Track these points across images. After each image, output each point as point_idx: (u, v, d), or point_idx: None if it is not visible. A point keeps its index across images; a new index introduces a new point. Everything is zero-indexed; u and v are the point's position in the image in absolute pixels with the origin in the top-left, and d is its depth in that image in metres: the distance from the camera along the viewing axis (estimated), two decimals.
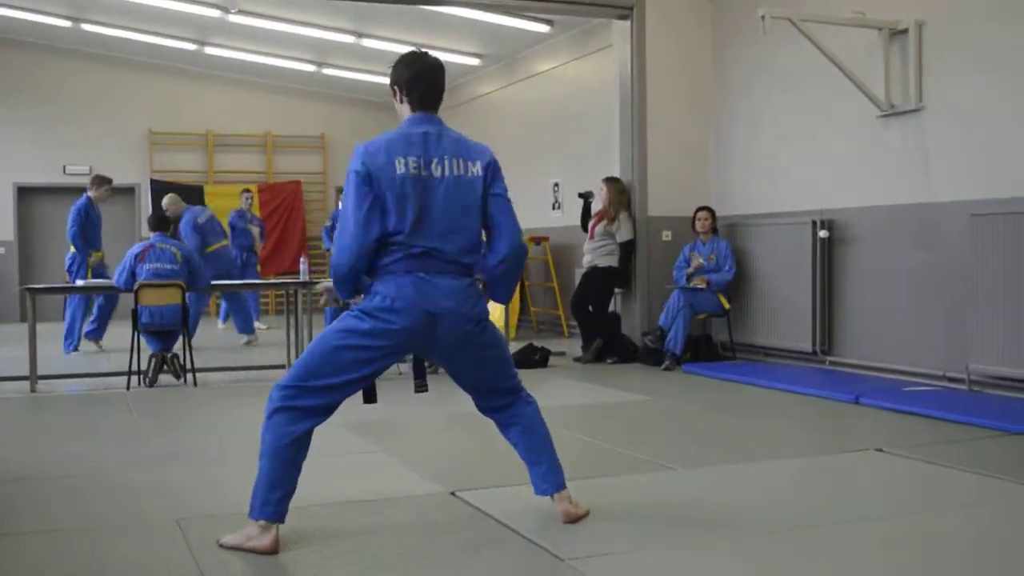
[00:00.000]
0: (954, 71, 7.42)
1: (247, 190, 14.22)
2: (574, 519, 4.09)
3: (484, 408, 4.23)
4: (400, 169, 3.81)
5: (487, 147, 4.05)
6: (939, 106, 7.54)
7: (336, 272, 3.82)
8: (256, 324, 12.18)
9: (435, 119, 4.03)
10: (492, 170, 3.98)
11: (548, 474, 4.14)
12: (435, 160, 3.87)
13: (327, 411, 3.90)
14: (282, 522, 3.83)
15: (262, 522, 3.81)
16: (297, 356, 8.89)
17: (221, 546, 3.85)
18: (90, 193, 10.63)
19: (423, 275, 3.80)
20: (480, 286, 4.02)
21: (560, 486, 4.13)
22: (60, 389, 8.21)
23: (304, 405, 3.83)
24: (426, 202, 3.81)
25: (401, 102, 4.09)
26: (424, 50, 4.16)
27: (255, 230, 13.07)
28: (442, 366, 4.22)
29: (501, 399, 4.19)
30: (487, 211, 3.94)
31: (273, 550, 3.78)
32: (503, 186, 4.00)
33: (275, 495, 3.83)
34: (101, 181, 10.79)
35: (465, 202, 3.89)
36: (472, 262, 3.95)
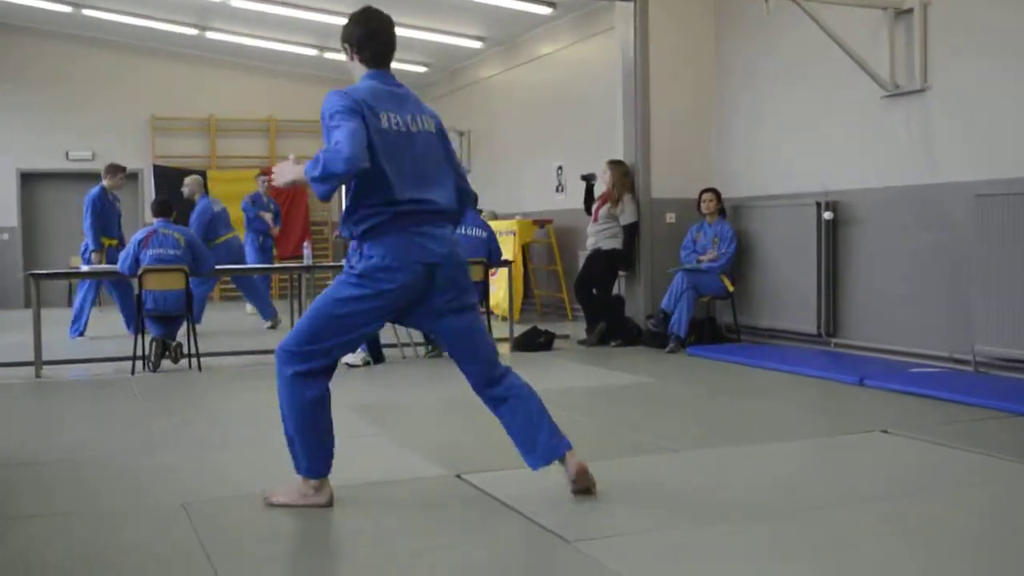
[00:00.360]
0: (959, 51, 7.38)
1: (263, 173, 14.24)
2: (586, 469, 4.11)
3: (484, 382, 4.23)
4: (385, 123, 3.85)
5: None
6: (944, 86, 7.50)
7: (332, 169, 3.61)
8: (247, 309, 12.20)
9: (392, 76, 4.06)
10: (441, 127, 4.16)
11: (555, 434, 4.15)
12: (410, 115, 3.96)
13: (333, 368, 4.03)
14: (330, 473, 4.04)
15: (313, 481, 4.00)
16: None
17: (271, 504, 4.05)
18: (104, 182, 10.63)
19: (414, 228, 3.87)
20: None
21: (570, 444, 4.16)
22: (65, 374, 8.22)
23: (315, 368, 3.93)
24: (411, 155, 3.90)
25: (352, 59, 4.10)
26: (374, 7, 4.18)
27: (267, 216, 13.08)
28: (441, 338, 4.28)
29: (499, 368, 4.22)
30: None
31: (330, 504, 4.03)
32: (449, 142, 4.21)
33: (320, 452, 4.01)
34: (115, 170, 10.79)
35: (437, 155, 4.05)
36: (453, 210, 4.09)
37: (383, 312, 3.94)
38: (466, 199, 4.24)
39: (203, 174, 15.61)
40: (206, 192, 11.88)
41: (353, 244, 3.96)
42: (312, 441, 3.97)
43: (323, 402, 3.97)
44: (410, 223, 3.86)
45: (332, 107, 3.81)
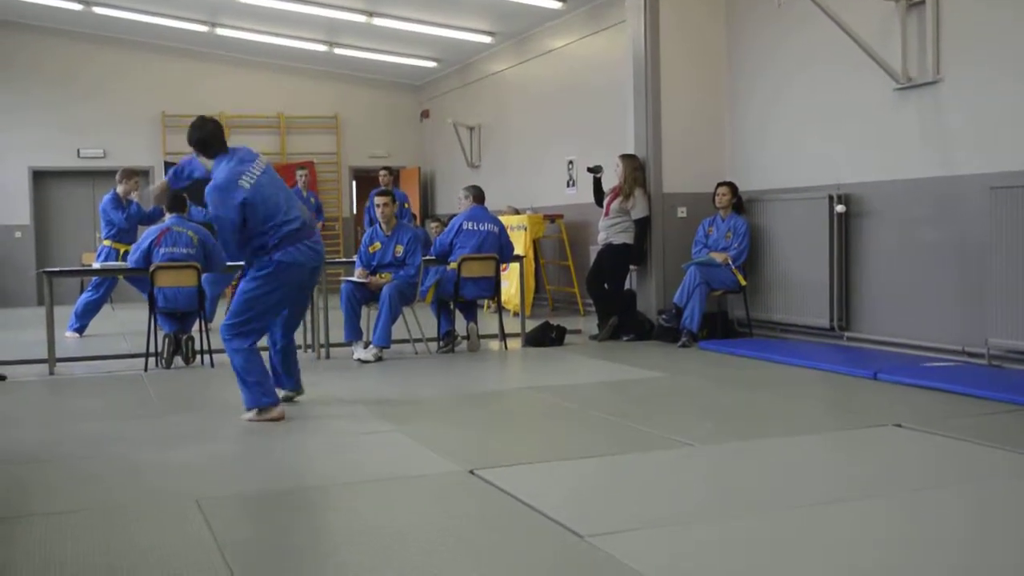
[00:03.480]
0: (972, 43, 7.33)
1: (302, 167, 14.28)
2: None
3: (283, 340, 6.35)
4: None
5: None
6: (957, 79, 7.46)
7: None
8: None
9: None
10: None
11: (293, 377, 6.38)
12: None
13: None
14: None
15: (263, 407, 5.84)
16: (313, 335, 8.93)
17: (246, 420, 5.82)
18: (117, 188, 10.61)
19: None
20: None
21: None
22: (78, 371, 8.24)
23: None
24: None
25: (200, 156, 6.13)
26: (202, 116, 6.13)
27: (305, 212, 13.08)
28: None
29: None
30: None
31: (283, 415, 5.88)
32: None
33: (265, 389, 5.89)
34: (127, 175, 10.74)
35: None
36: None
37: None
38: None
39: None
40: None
41: None
42: (260, 380, 5.91)
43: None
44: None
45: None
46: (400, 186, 17.20)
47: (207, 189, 5.87)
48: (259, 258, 5.88)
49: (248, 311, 5.90)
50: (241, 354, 5.87)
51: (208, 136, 5.96)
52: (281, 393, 6.23)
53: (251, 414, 5.89)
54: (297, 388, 6.47)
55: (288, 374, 6.39)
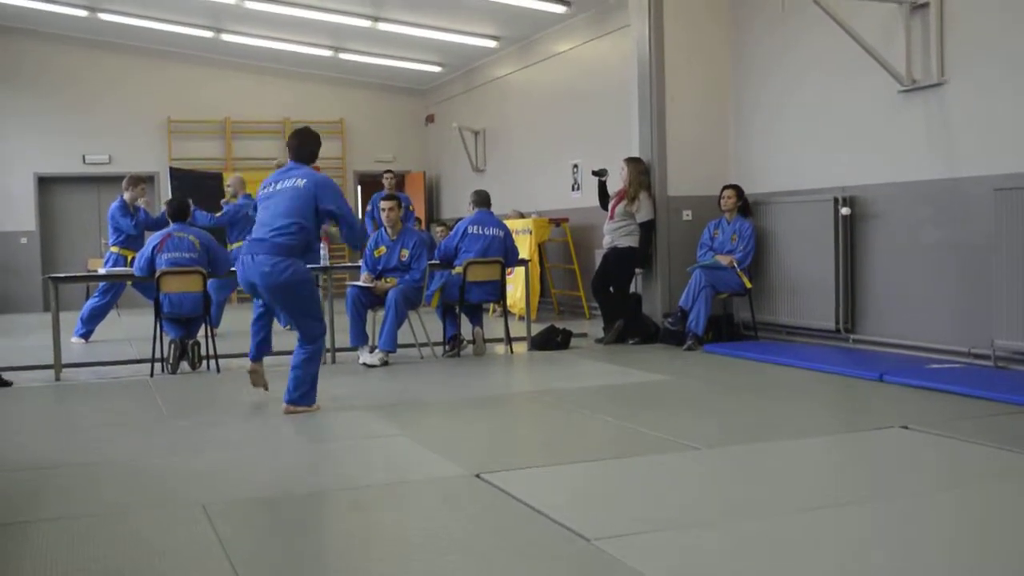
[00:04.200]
0: (976, 45, 7.33)
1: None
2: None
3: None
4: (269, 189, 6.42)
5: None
6: (961, 80, 7.45)
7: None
8: None
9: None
10: (311, 182, 6.30)
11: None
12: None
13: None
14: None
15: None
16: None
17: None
18: (124, 195, 10.63)
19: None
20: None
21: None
22: (84, 377, 8.25)
23: None
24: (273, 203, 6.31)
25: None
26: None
27: None
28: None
29: None
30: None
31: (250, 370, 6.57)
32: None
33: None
34: (134, 182, 10.76)
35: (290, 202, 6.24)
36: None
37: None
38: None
39: (219, 176, 15.68)
40: (248, 193, 11.87)
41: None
42: None
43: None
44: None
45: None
46: (404, 189, 17.22)
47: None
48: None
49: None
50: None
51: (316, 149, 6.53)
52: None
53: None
54: (265, 353, 6.74)
55: (257, 337, 6.63)
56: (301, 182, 6.18)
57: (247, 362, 6.68)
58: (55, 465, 5.11)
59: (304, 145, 6.38)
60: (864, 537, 3.62)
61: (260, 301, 6.51)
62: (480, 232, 9.01)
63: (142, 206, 10.68)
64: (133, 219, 10.51)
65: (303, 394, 6.29)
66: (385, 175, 14.41)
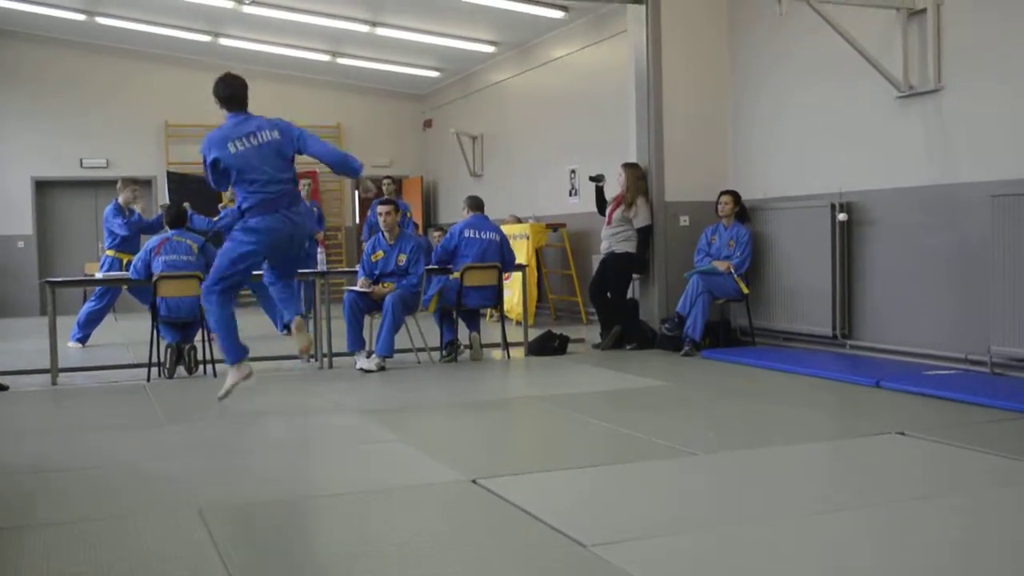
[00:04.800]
0: (973, 51, 7.34)
1: (305, 176, 14.33)
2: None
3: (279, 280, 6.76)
4: (232, 149, 6.36)
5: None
6: (958, 86, 7.47)
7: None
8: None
9: (241, 113, 6.51)
10: (285, 129, 6.62)
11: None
12: (252, 134, 6.45)
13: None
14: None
15: (240, 363, 6.40)
16: (316, 344, 8.92)
17: (221, 399, 6.42)
18: (118, 198, 10.63)
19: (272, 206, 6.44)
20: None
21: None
22: (81, 381, 8.24)
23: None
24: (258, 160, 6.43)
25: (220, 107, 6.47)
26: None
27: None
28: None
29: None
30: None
31: (251, 372, 6.44)
32: None
33: (235, 343, 6.42)
34: (127, 183, 10.76)
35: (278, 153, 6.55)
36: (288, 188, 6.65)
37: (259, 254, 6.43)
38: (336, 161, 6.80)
39: None
40: (210, 195, 11.87)
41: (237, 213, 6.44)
42: (231, 336, 6.41)
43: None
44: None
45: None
46: (402, 194, 17.24)
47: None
48: (239, 219, 6.47)
49: (222, 268, 6.43)
50: (213, 310, 6.46)
51: (234, 93, 6.44)
52: (290, 327, 6.72)
53: (231, 377, 6.43)
54: (300, 311, 6.76)
55: (287, 304, 6.74)
56: (275, 134, 6.44)
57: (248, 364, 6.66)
58: (52, 469, 5.10)
59: (244, 90, 6.48)
60: (860, 543, 3.62)
61: (267, 266, 6.68)
62: (476, 236, 9.01)
63: (136, 209, 10.68)
64: (126, 221, 10.50)
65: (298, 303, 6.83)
66: (383, 181, 14.43)
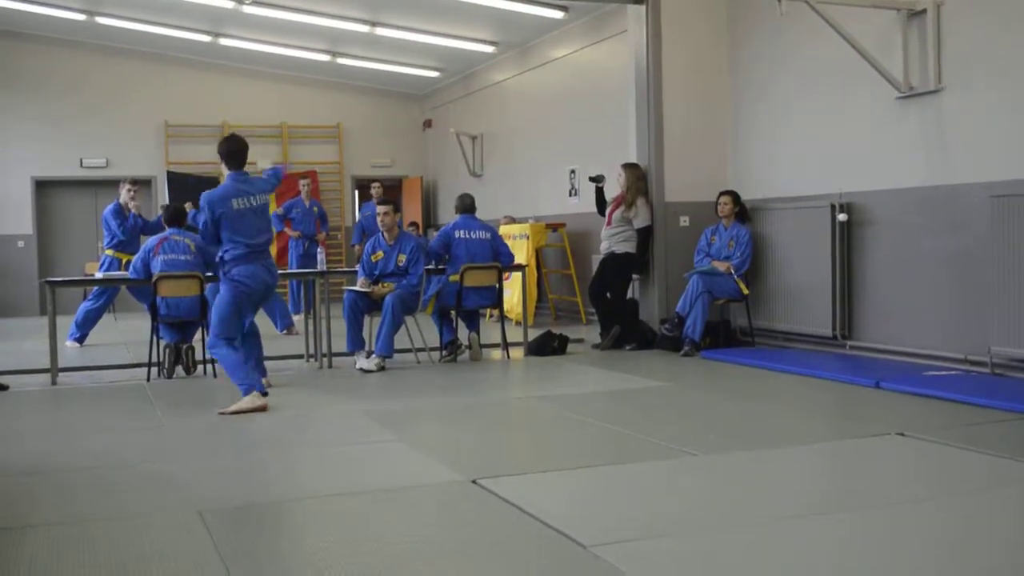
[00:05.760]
0: (973, 51, 7.34)
1: (305, 176, 14.39)
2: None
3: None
4: (236, 206, 6.86)
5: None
6: (958, 87, 7.47)
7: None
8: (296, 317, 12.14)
9: (244, 173, 6.99)
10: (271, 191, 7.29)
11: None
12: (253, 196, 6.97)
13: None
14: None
15: (254, 392, 6.54)
16: (316, 344, 8.93)
17: (221, 414, 6.43)
18: (119, 198, 10.64)
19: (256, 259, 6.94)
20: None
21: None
22: (80, 381, 8.24)
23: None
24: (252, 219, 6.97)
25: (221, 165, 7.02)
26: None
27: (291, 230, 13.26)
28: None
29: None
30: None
31: (266, 407, 6.52)
32: None
33: (250, 374, 6.66)
34: (125, 183, 10.77)
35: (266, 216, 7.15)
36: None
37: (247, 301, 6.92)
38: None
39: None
40: None
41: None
42: (243, 372, 6.67)
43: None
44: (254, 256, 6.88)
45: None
46: (400, 195, 17.27)
47: (203, 193, 6.96)
48: (221, 271, 6.95)
49: (225, 318, 6.85)
50: (222, 354, 6.84)
51: (236, 152, 6.96)
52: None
53: (246, 402, 6.54)
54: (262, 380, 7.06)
55: (258, 363, 7.30)
56: (264, 199, 7.09)
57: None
58: (50, 470, 5.10)
59: (246, 151, 6.99)
60: (860, 544, 3.62)
61: (248, 319, 7.20)
62: (467, 236, 9.01)
63: (133, 210, 10.68)
64: (124, 222, 10.50)
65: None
66: (373, 185, 14.54)
